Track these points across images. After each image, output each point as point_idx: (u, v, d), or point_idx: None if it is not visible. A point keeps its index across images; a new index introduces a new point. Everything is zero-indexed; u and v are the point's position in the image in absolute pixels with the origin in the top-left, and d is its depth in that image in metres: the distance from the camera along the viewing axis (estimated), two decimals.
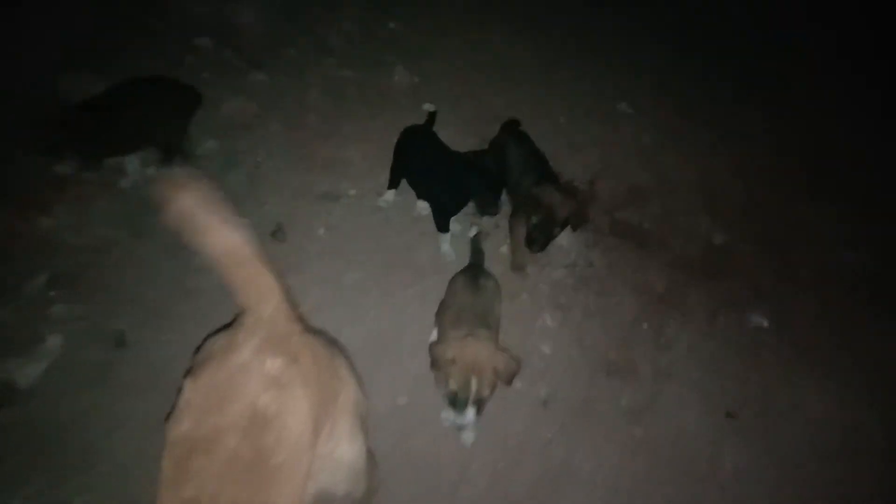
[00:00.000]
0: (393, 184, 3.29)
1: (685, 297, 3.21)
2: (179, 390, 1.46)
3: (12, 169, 3.05)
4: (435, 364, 2.09)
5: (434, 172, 2.99)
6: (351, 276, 2.98)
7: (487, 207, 2.87)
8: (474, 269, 2.61)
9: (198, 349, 1.59)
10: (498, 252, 3.22)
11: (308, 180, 3.41)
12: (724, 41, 5.40)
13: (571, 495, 2.43)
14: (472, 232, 2.98)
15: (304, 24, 4.78)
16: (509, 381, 2.06)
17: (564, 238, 3.26)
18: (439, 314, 2.57)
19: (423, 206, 3.31)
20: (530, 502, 2.39)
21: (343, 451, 1.58)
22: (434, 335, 2.67)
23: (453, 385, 2.01)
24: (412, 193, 3.31)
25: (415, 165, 3.13)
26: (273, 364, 1.39)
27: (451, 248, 3.13)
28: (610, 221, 3.52)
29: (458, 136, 3.92)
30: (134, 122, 2.98)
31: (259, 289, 1.46)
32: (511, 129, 3.40)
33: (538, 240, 2.91)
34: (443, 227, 3.06)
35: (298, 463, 1.34)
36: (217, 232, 1.44)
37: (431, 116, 3.33)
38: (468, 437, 2.43)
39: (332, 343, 1.69)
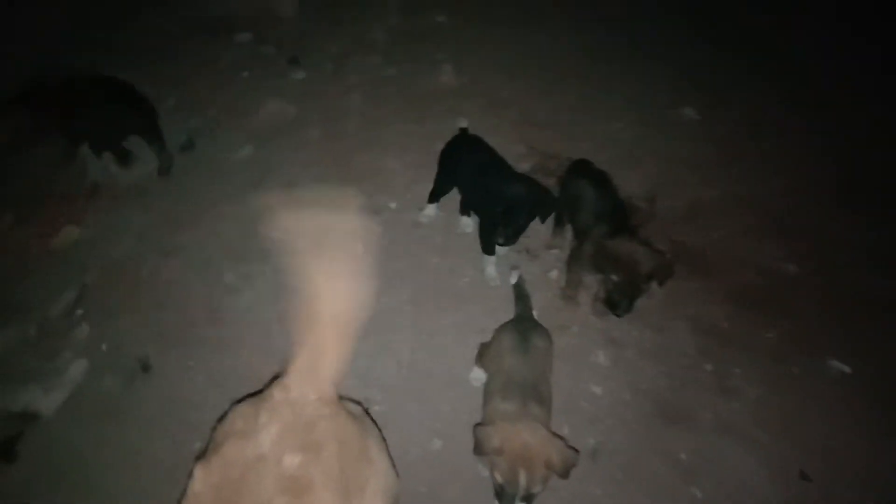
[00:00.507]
0: (435, 197, 3.06)
1: (753, 335, 2.88)
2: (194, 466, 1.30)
3: (43, 174, 2.98)
4: (479, 450, 1.84)
5: (484, 186, 2.72)
6: (386, 299, 2.79)
7: (505, 237, 2.59)
8: (524, 324, 2.34)
9: (221, 419, 1.44)
10: (546, 276, 2.98)
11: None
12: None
13: None
14: (514, 278, 2.70)
15: (347, 16, 4.59)
16: (565, 475, 1.82)
17: None
18: (482, 358, 2.35)
19: (467, 223, 3.09)
20: None
21: None
22: (474, 373, 2.46)
23: (499, 478, 1.78)
24: (455, 209, 3.09)
25: (463, 176, 2.89)
26: (292, 461, 1.24)
27: (496, 272, 2.90)
28: (670, 245, 3.22)
29: (505, 141, 3.66)
30: (82, 115, 2.94)
31: (314, 363, 1.40)
32: (585, 168, 3.05)
33: (621, 303, 2.59)
34: (489, 248, 2.82)
35: None
36: (332, 294, 1.41)
37: (463, 132, 3.08)
38: None
39: (363, 420, 1.54)
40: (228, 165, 3.26)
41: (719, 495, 2.35)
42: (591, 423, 2.49)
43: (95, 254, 2.78)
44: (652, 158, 3.71)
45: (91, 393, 2.35)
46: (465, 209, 3.07)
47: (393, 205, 3.21)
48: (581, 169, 3.03)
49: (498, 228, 2.58)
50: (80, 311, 2.56)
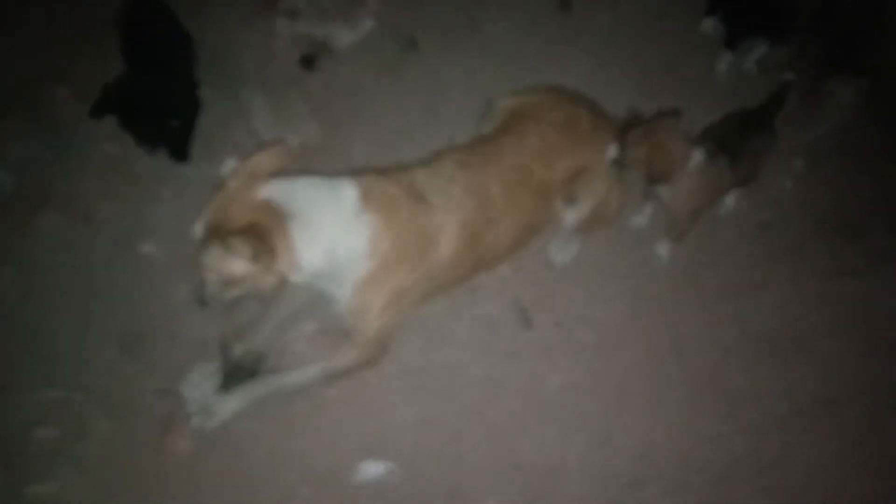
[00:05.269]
0: None
1: None
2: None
3: None
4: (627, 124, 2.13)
5: None
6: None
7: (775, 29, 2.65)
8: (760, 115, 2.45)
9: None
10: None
11: None
12: None
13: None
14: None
15: None
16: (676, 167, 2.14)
17: None
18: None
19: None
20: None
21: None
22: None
23: (629, 157, 2.08)
24: None
25: None
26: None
27: (725, 72, 2.89)
28: None
29: None
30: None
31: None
32: None
33: None
34: (733, 41, 2.84)
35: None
36: None
37: None
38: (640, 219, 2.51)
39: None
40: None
41: (870, 290, 2.53)
42: (772, 209, 2.66)
43: None
44: None
45: (368, 52, 2.73)
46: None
47: None
48: None
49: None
50: None
